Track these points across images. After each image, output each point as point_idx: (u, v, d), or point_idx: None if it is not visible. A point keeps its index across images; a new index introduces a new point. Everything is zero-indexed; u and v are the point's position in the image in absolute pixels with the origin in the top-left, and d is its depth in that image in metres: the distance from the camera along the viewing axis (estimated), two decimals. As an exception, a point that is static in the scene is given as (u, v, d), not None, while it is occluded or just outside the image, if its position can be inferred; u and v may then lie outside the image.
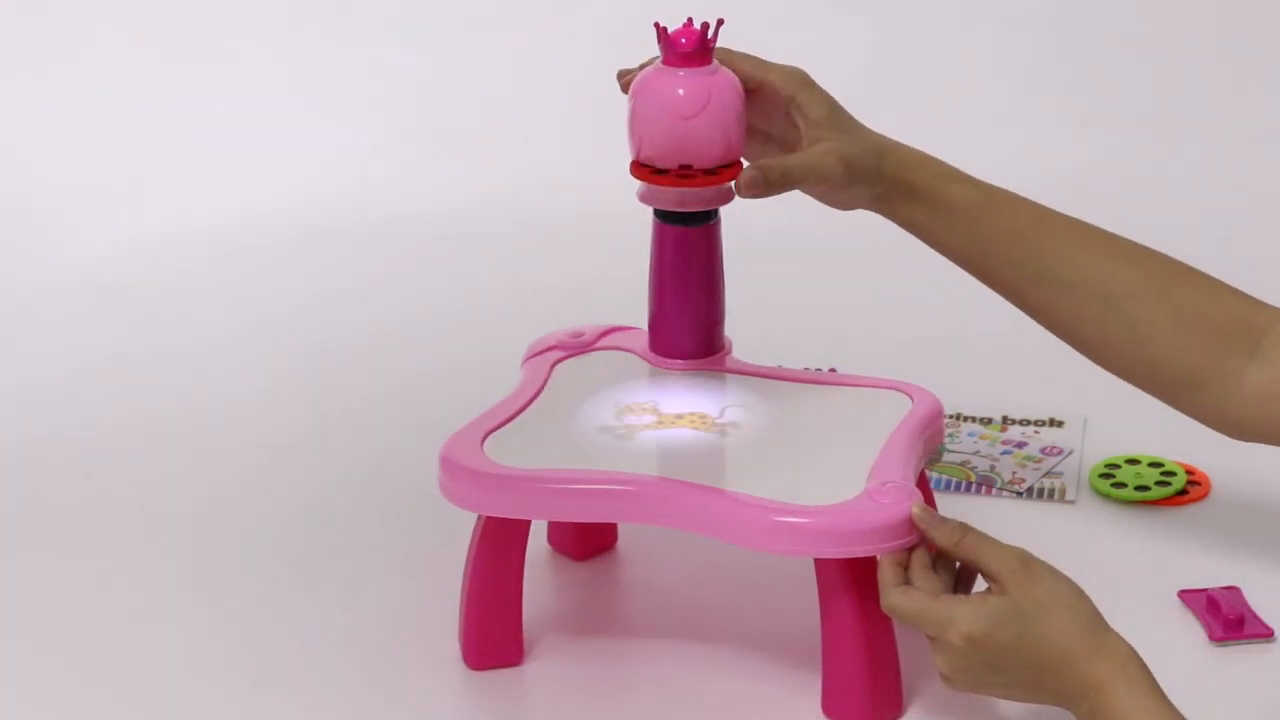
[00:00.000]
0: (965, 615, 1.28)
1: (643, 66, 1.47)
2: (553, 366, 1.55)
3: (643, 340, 1.56)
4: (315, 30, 2.48)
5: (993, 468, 1.72)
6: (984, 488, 1.69)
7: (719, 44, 1.46)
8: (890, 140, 1.48)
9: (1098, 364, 1.51)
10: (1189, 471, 1.70)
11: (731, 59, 1.47)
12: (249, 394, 1.90)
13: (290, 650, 1.49)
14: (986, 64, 2.45)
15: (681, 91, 1.44)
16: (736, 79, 1.46)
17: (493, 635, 1.45)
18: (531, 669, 1.46)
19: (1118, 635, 1.28)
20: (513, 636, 1.46)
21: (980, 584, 1.33)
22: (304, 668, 1.47)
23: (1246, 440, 1.48)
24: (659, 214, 1.50)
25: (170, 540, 1.65)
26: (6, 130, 2.37)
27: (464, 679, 1.45)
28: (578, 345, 1.58)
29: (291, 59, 2.46)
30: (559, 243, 2.23)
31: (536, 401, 1.50)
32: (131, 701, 1.44)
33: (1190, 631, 1.49)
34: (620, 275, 1.70)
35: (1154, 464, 1.71)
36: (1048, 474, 1.71)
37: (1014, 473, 1.71)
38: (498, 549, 1.43)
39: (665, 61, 1.45)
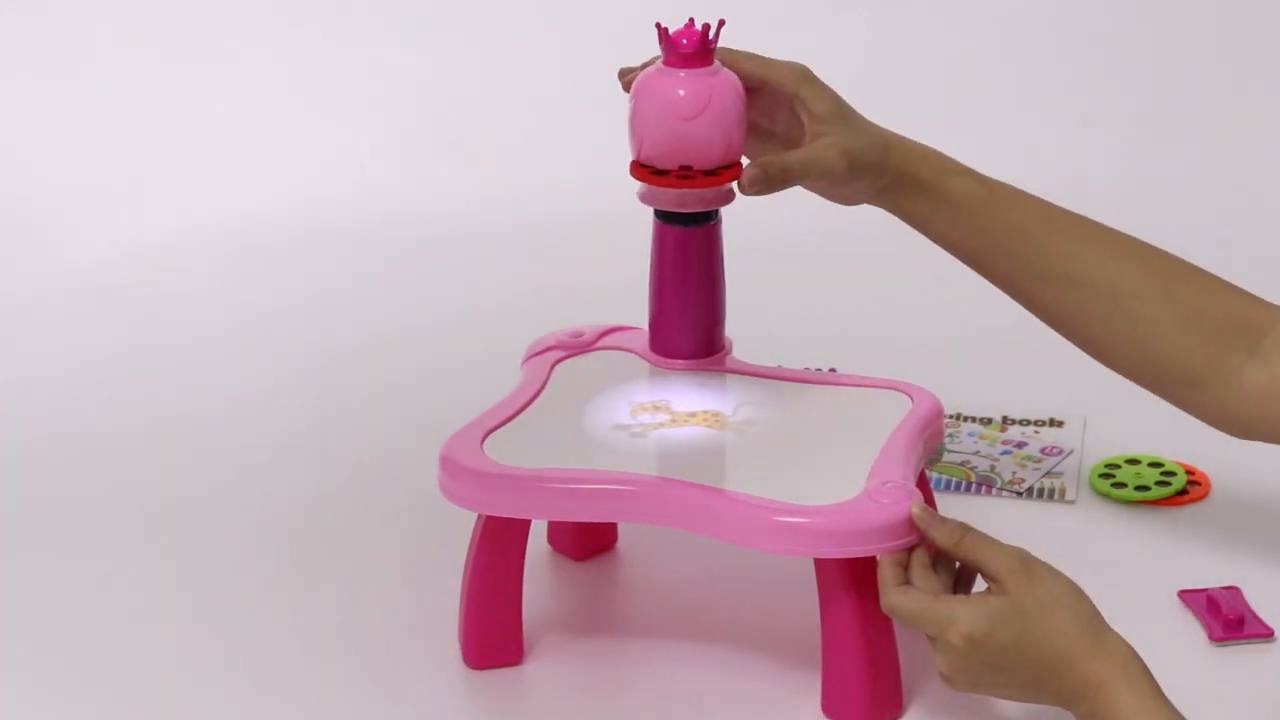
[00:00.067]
0: (965, 615, 1.28)
1: (644, 66, 1.47)
2: (553, 366, 1.55)
3: (643, 340, 1.56)
4: (315, 30, 2.48)
5: (993, 468, 1.72)
6: (984, 488, 1.69)
7: (720, 44, 1.46)
8: (894, 134, 1.49)
9: (1098, 360, 1.51)
10: (1189, 471, 1.70)
11: (733, 58, 1.47)
12: (249, 394, 1.90)
13: (290, 650, 1.49)
14: (986, 64, 2.45)
15: (682, 92, 1.44)
16: (737, 80, 1.46)
17: (493, 635, 1.45)
18: (531, 669, 1.46)
19: (1117, 635, 1.28)
20: (512, 636, 1.46)
21: (980, 584, 1.33)
22: (304, 668, 1.47)
23: (1247, 438, 1.48)
24: (659, 214, 1.50)
25: (170, 540, 1.65)
26: (6, 130, 2.37)
27: (464, 679, 1.45)
28: (578, 345, 1.58)
29: (291, 59, 2.46)
30: (559, 243, 2.23)
31: (536, 401, 1.50)
32: (131, 701, 1.44)
33: (1190, 631, 1.49)
34: (620, 275, 1.70)
35: (1154, 464, 1.71)
36: (1048, 474, 1.71)
37: (1014, 473, 1.71)
38: (498, 549, 1.43)
39: (666, 62, 1.45)
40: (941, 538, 1.33)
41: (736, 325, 1.56)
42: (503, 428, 1.46)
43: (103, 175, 2.32)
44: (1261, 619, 1.48)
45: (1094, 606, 1.29)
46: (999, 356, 1.90)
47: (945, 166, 1.49)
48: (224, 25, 2.47)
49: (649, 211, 1.50)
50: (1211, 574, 1.55)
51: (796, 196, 1.49)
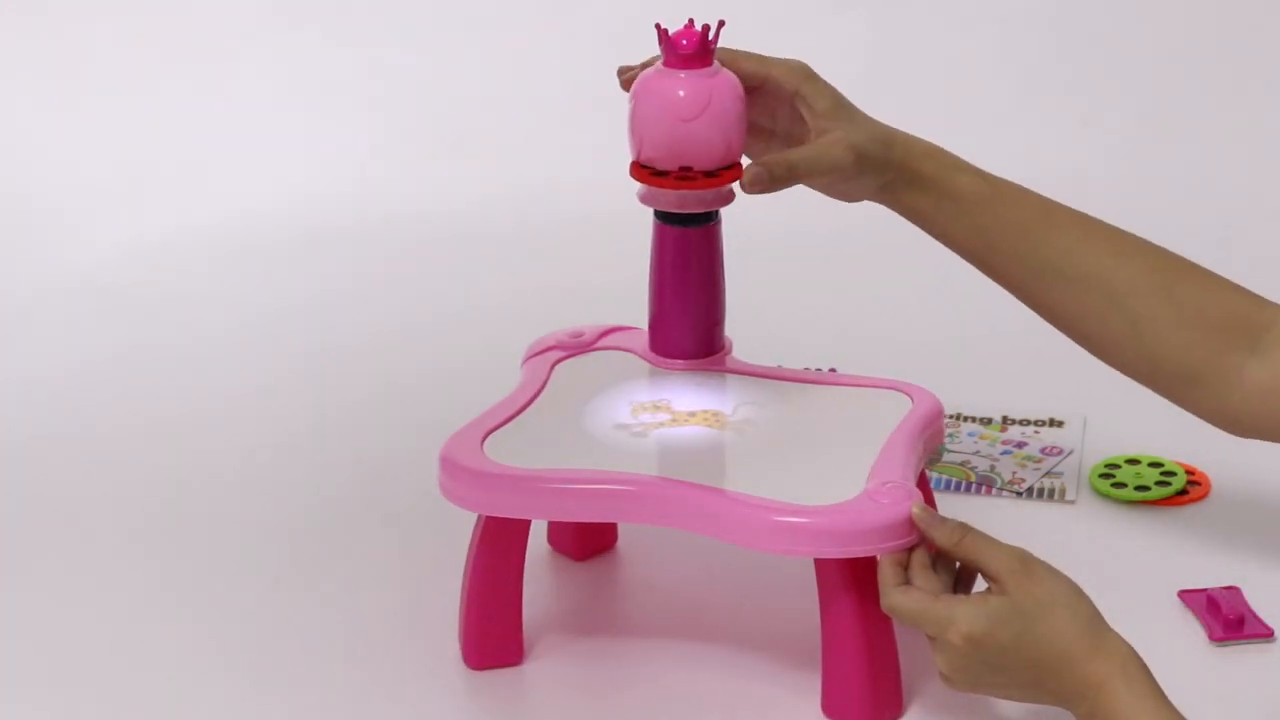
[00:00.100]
0: (965, 615, 1.28)
1: (644, 65, 1.47)
2: (552, 366, 1.55)
3: (642, 340, 1.56)
4: (315, 30, 2.48)
5: (993, 468, 1.72)
6: (984, 488, 1.69)
7: (720, 44, 1.46)
8: (896, 130, 1.49)
9: (1099, 358, 1.51)
10: (1189, 471, 1.70)
11: (733, 58, 1.47)
12: (249, 394, 1.90)
13: (290, 650, 1.49)
14: (986, 64, 2.45)
15: (682, 93, 1.44)
16: (737, 81, 1.46)
17: (493, 635, 1.45)
18: (531, 669, 1.46)
19: (1117, 635, 1.28)
20: (513, 636, 1.46)
21: (980, 584, 1.33)
22: (304, 668, 1.47)
23: (1247, 436, 1.48)
24: (659, 215, 1.50)
25: (170, 540, 1.65)
26: (6, 130, 2.37)
27: (464, 679, 1.45)
28: (577, 345, 1.58)
29: (291, 59, 2.46)
30: (559, 243, 2.23)
31: (536, 401, 1.50)
32: (131, 701, 1.44)
33: (1190, 631, 1.49)
34: (620, 275, 1.70)
35: (1154, 464, 1.71)
36: (1048, 474, 1.71)
37: (1014, 473, 1.71)
38: (498, 549, 1.43)
39: (666, 63, 1.45)
40: (941, 538, 1.33)
41: (736, 325, 1.56)
42: (503, 428, 1.46)
43: (103, 175, 2.32)
44: (1261, 619, 1.48)
45: (1094, 606, 1.29)
46: (999, 356, 1.90)
47: (948, 162, 1.49)
48: (224, 25, 2.47)
49: (649, 211, 1.50)
50: (1211, 574, 1.55)
51: (797, 196, 1.49)
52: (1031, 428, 1.78)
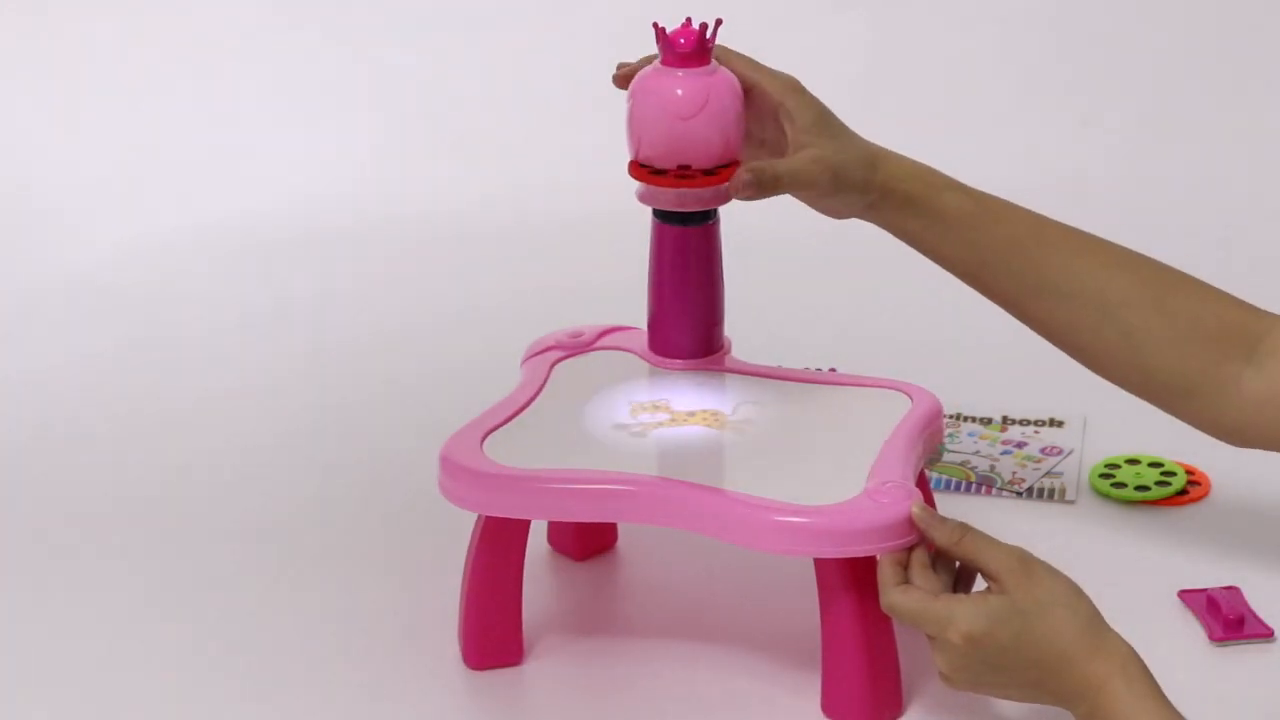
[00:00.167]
0: (965, 614, 1.28)
1: (643, 62, 1.47)
2: (552, 366, 1.55)
3: (642, 340, 1.56)
4: (315, 30, 2.48)
5: (993, 468, 1.72)
6: (984, 488, 1.69)
7: (717, 43, 1.46)
8: (883, 149, 1.48)
9: (1095, 372, 1.51)
10: (1189, 471, 1.70)
11: (727, 58, 1.47)
12: (248, 393, 1.90)
13: (290, 650, 1.49)
14: (986, 64, 2.45)
15: (680, 92, 1.44)
16: (735, 79, 1.46)
17: (492, 635, 1.45)
18: (531, 669, 1.46)
19: (1117, 635, 1.28)
20: (512, 636, 1.46)
21: (980, 584, 1.33)
22: (303, 667, 1.47)
23: (1245, 446, 1.48)
24: (658, 214, 1.50)
25: (169, 539, 1.65)
26: (6, 130, 2.37)
27: (464, 679, 1.45)
28: (577, 345, 1.58)
29: (291, 59, 2.46)
30: (559, 243, 2.23)
31: (536, 401, 1.50)
32: (129, 702, 1.44)
33: (1190, 631, 1.49)
34: (620, 275, 1.70)
35: (1154, 464, 1.71)
36: (1048, 474, 1.71)
37: (1014, 473, 1.71)
38: (497, 549, 1.43)
39: (664, 62, 1.45)
40: (941, 537, 1.33)
41: (736, 325, 1.56)
42: (502, 428, 1.46)
43: (103, 175, 2.32)
44: (1261, 619, 1.48)
45: (1093, 606, 1.29)
46: (999, 356, 1.90)
47: (935, 182, 1.49)
48: (224, 25, 2.47)
49: (648, 211, 1.50)
50: (1211, 574, 1.55)
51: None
52: (1031, 428, 1.78)
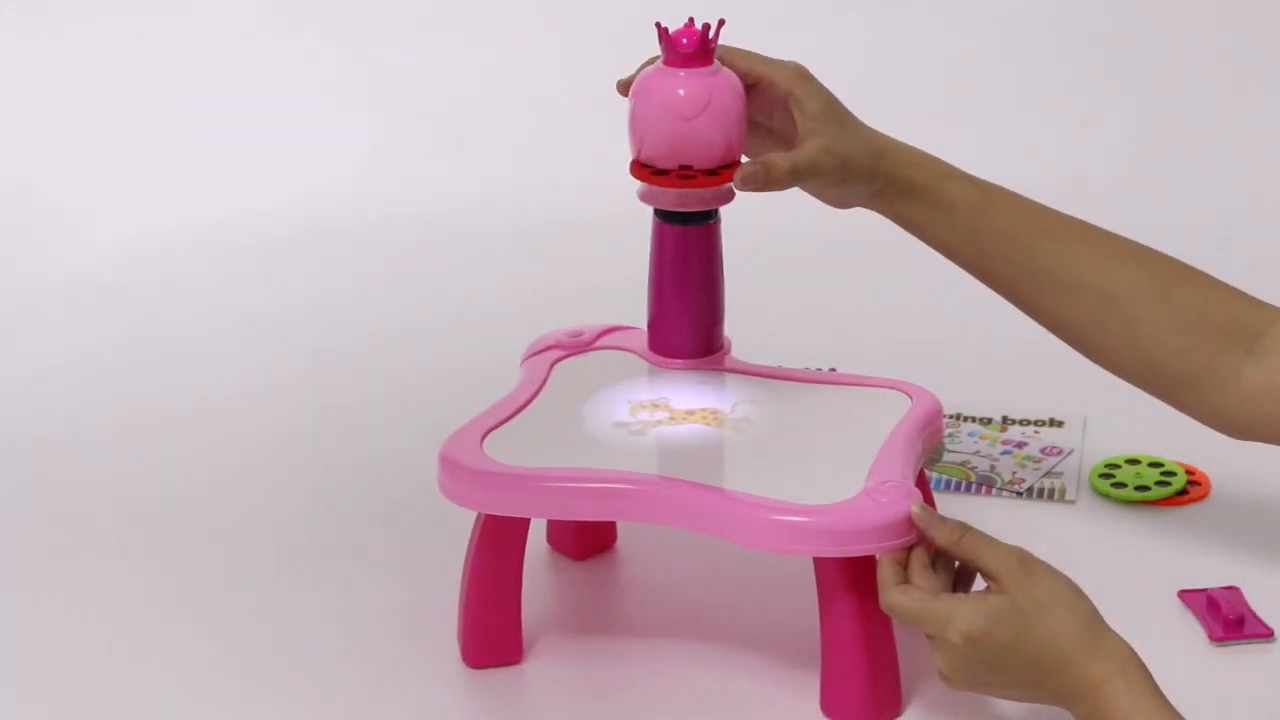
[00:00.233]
0: (964, 614, 1.28)
1: (642, 67, 1.47)
2: (552, 366, 1.55)
3: (641, 340, 1.56)
4: (315, 30, 2.48)
5: (993, 468, 1.72)
6: (984, 488, 1.69)
7: (719, 43, 1.46)
8: (889, 138, 1.48)
9: (1096, 363, 1.51)
10: (1189, 471, 1.70)
11: (730, 56, 1.47)
12: (249, 393, 1.90)
13: (289, 649, 1.49)
14: (986, 64, 2.45)
15: (682, 92, 1.44)
16: (737, 79, 1.46)
17: (492, 634, 1.45)
18: (531, 668, 1.46)
19: (1116, 635, 1.28)
20: (512, 636, 1.46)
21: (980, 583, 1.33)
22: (303, 667, 1.47)
23: (1244, 439, 1.48)
24: (659, 213, 1.50)
25: (169, 539, 1.65)
26: (6, 130, 2.37)
27: (463, 678, 1.45)
28: (577, 345, 1.58)
29: (291, 59, 2.46)
30: (559, 243, 2.23)
31: (536, 400, 1.50)
32: (129, 702, 1.44)
33: (1190, 631, 1.49)
34: (620, 275, 1.70)
35: (1154, 464, 1.71)
36: (1048, 474, 1.71)
37: (1014, 473, 1.71)
38: (497, 548, 1.43)
39: (666, 62, 1.45)
40: (941, 537, 1.33)
41: (736, 325, 1.56)
42: (502, 427, 1.46)
43: (103, 175, 2.32)
44: (1261, 619, 1.48)
45: (1093, 606, 1.29)
46: (999, 356, 1.90)
47: (940, 171, 1.49)
48: (224, 25, 2.47)
49: (649, 211, 1.50)
50: (1211, 574, 1.55)
51: (797, 197, 1.49)
52: (1031, 428, 1.78)
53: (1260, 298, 1.48)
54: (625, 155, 1.47)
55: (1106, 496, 1.67)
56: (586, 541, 1.59)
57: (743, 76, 1.46)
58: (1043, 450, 1.75)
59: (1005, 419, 1.80)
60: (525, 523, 1.43)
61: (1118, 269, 1.47)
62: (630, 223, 1.64)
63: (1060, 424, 1.79)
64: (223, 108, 2.42)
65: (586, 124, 2.05)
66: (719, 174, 1.45)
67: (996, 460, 1.73)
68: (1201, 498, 1.67)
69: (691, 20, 1.45)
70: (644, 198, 1.49)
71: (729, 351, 1.55)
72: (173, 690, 1.45)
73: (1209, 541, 1.60)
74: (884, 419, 1.46)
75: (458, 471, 1.41)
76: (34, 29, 2.45)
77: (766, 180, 1.42)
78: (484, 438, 1.44)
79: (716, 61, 1.45)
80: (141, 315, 2.08)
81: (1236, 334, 1.45)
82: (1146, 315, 1.46)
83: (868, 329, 2.01)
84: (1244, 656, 1.46)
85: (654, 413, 1.48)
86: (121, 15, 2.45)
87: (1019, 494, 1.68)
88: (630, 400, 1.49)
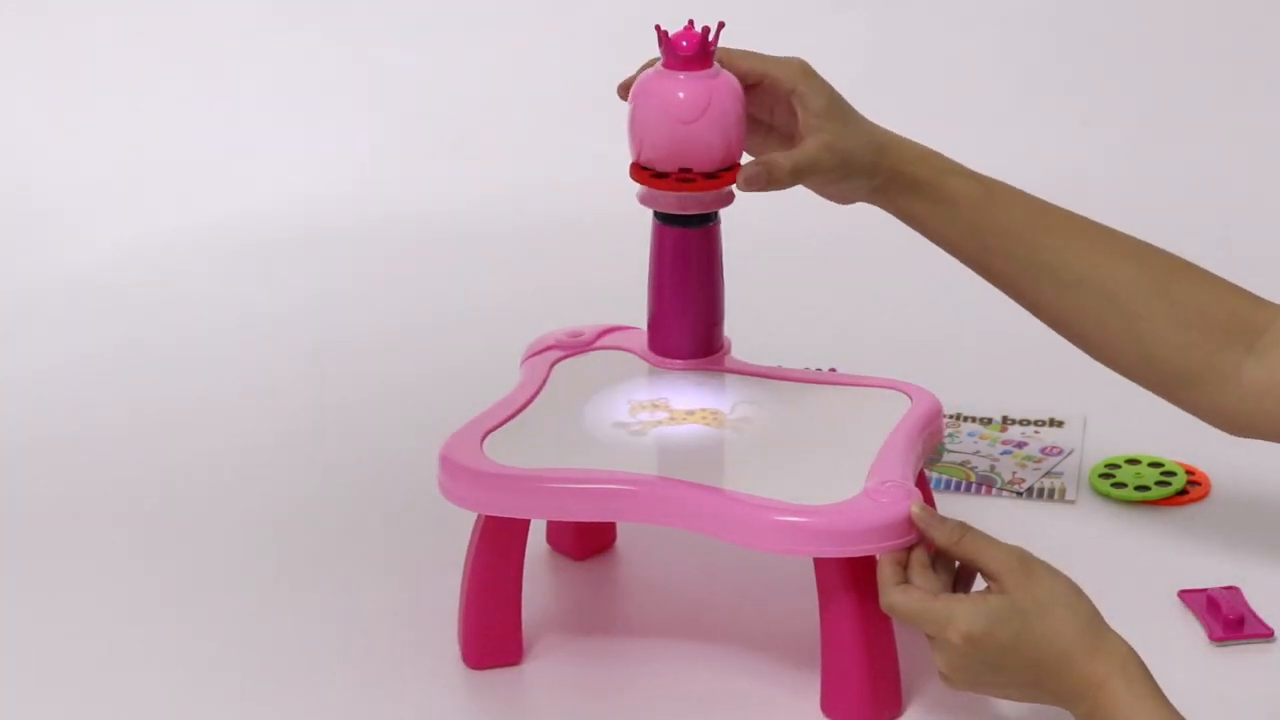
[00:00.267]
0: (964, 614, 1.28)
1: (642, 70, 1.47)
2: (551, 366, 1.55)
3: (641, 340, 1.56)
4: (315, 30, 2.48)
5: (993, 468, 1.72)
6: (984, 488, 1.69)
7: (719, 44, 1.46)
8: (891, 133, 1.49)
9: (1096, 359, 1.51)
10: (1189, 471, 1.70)
11: (731, 57, 1.47)
12: (249, 393, 1.90)
13: (289, 650, 1.49)
14: (986, 64, 2.45)
15: (682, 95, 1.44)
16: (737, 82, 1.46)
17: (492, 635, 1.45)
18: (531, 668, 1.46)
19: (1117, 635, 1.28)
20: (512, 636, 1.46)
21: (980, 583, 1.33)
22: (303, 667, 1.47)
23: (1244, 436, 1.48)
24: (659, 215, 1.50)
25: (168, 539, 1.65)
26: (6, 130, 2.37)
27: (463, 678, 1.45)
28: (576, 345, 1.58)
29: (291, 59, 2.46)
30: (559, 243, 2.23)
31: (536, 401, 1.50)
32: (129, 702, 1.44)
33: (1190, 631, 1.49)
34: (620, 275, 1.70)
35: (1154, 464, 1.71)
36: (1048, 474, 1.71)
37: (1014, 473, 1.71)
38: (497, 548, 1.43)
39: (666, 65, 1.45)
40: (941, 537, 1.33)
41: (736, 325, 1.56)
42: (502, 427, 1.46)
43: (103, 175, 2.32)
44: (1261, 619, 1.48)
45: (1093, 606, 1.29)
46: (999, 356, 1.90)
47: (942, 166, 1.49)
48: (224, 25, 2.47)
49: (648, 211, 1.50)
50: (1211, 574, 1.55)
51: (797, 196, 1.49)
52: (1031, 428, 1.78)
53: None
54: (625, 155, 1.47)
55: (1106, 496, 1.67)
56: (586, 542, 1.59)
57: (746, 76, 1.46)
58: (1043, 450, 1.75)
59: (1005, 419, 1.80)
60: (525, 523, 1.43)
61: (1118, 265, 1.47)
62: (630, 223, 1.64)
63: (1060, 424, 1.79)
64: (223, 108, 2.42)
65: (586, 124, 2.05)
66: (718, 177, 1.45)
67: (996, 460, 1.73)
68: (1201, 498, 1.67)
69: (691, 23, 1.45)
70: (644, 200, 1.49)
71: (729, 352, 1.55)
72: (173, 690, 1.45)
73: (1209, 541, 1.61)
74: (884, 419, 1.46)
75: (458, 472, 1.41)
76: (34, 29, 2.45)
77: (769, 181, 1.43)
78: (484, 438, 1.44)
79: (716, 64, 1.45)
80: (141, 315, 2.08)
81: (1237, 331, 1.45)
82: (1146, 311, 1.46)
83: (868, 329, 2.01)
84: (1244, 656, 1.46)
85: (654, 413, 1.48)
86: (121, 15, 2.45)
87: (1019, 494, 1.68)
88: (630, 400, 1.49)
